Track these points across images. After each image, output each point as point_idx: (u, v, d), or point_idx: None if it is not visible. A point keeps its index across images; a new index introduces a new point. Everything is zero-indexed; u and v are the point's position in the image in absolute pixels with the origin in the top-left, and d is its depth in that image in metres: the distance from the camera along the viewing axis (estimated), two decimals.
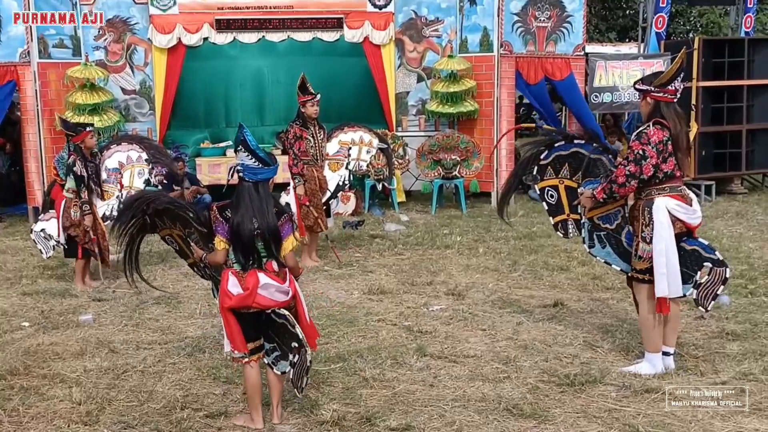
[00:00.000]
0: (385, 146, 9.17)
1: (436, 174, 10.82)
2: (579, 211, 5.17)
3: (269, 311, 4.05)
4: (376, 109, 11.44)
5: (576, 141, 5.18)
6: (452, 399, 4.46)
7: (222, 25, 10.99)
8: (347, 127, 8.81)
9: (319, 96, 7.70)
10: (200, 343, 5.46)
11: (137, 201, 4.34)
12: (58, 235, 7.17)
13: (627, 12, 23.61)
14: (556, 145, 5.23)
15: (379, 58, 11.36)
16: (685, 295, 4.81)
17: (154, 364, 5.12)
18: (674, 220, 4.66)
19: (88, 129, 7.15)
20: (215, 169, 10.70)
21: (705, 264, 4.77)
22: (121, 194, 7.42)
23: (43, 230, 7.30)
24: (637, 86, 4.81)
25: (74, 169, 6.91)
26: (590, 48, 14.73)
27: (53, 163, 7.82)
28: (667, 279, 4.62)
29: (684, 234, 4.74)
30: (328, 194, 8.09)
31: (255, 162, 4.00)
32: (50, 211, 7.35)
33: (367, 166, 9.45)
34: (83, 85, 10.36)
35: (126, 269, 4.48)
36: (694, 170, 11.34)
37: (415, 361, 5.05)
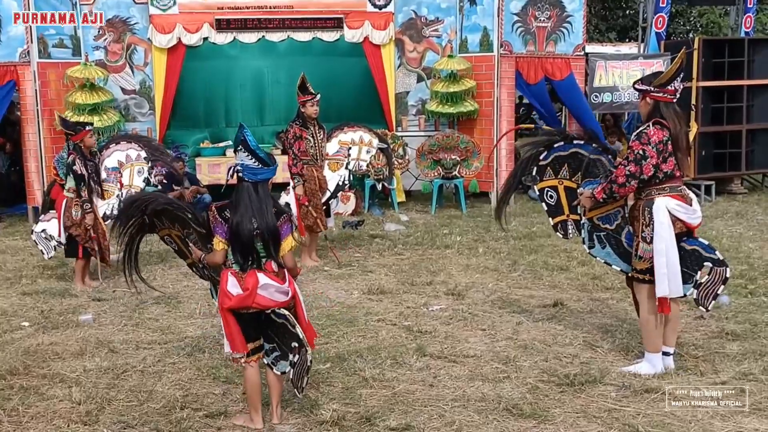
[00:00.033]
0: (385, 146, 9.17)
1: (435, 174, 10.83)
2: (579, 211, 5.17)
3: (269, 311, 4.06)
4: (376, 109, 11.44)
5: (575, 141, 5.18)
6: (452, 399, 4.46)
7: (222, 25, 10.99)
8: (347, 127, 8.81)
9: (318, 96, 7.70)
10: (200, 343, 5.46)
11: (136, 202, 4.35)
12: (59, 235, 7.17)
13: (627, 12, 23.62)
14: (555, 145, 5.22)
15: (379, 58, 11.37)
16: (685, 295, 4.81)
17: (153, 363, 5.12)
18: (674, 220, 4.66)
19: (87, 128, 7.16)
20: (215, 169, 10.70)
21: (705, 264, 4.77)
22: (122, 193, 7.42)
23: (43, 231, 7.30)
24: (636, 86, 4.80)
25: (74, 167, 6.91)
26: (590, 48, 14.73)
27: (53, 163, 7.82)
28: (668, 279, 4.62)
29: (684, 234, 4.74)
30: (328, 194, 8.08)
31: (255, 162, 3.99)
32: (50, 211, 7.35)
33: (367, 166, 9.44)
34: (83, 85, 10.36)
35: (125, 269, 4.49)
36: (694, 170, 11.34)
37: (414, 361, 5.05)
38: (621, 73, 11.58)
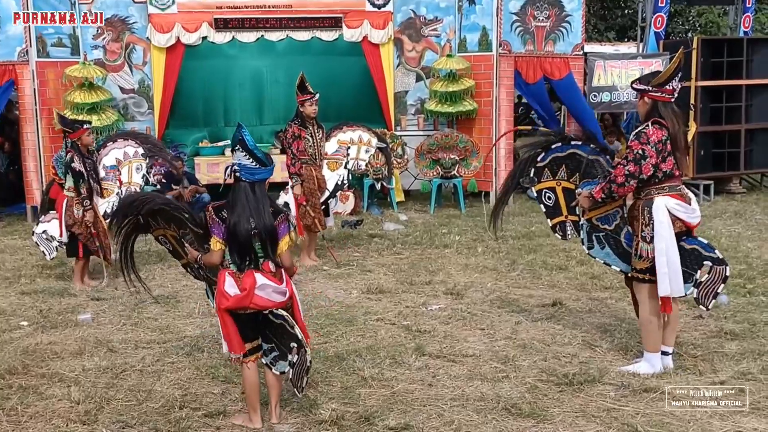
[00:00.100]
0: (384, 145, 9.16)
1: (434, 173, 10.83)
2: (577, 212, 5.17)
3: (266, 312, 4.05)
4: (375, 109, 11.43)
5: (573, 142, 5.17)
6: (451, 398, 4.46)
7: (221, 25, 10.97)
8: (346, 127, 8.81)
9: (317, 95, 7.70)
10: (199, 343, 5.46)
11: (133, 202, 4.34)
12: (60, 235, 7.17)
13: (626, 11, 23.61)
14: (552, 146, 5.21)
15: (377, 58, 11.36)
16: (685, 295, 4.81)
17: (152, 363, 5.12)
18: (674, 219, 4.66)
19: (85, 126, 7.16)
20: (214, 168, 10.70)
21: (705, 263, 4.77)
22: (121, 191, 7.42)
23: (44, 232, 7.29)
24: (634, 86, 4.80)
25: (72, 165, 6.90)
26: (589, 47, 14.72)
27: (52, 163, 7.82)
28: (669, 278, 4.62)
29: (683, 233, 4.75)
30: (327, 194, 8.08)
31: (252, 162, 3.99)
32: (50, 212, 7.34)
33: (366, 165, 9.43)
34: (81, 84, 10.35)
35: (122, 269, 4.49)
36: (693, 170, 11.35)
37: (413, 361, 5.05)
38: (620, 72, 11.59)
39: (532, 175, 5.30)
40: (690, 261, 4.75)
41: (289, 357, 4.04)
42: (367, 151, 8.76)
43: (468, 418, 4.21)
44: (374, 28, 11.23)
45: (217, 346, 5.20)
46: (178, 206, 4.36)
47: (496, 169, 11.04)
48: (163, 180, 9.61)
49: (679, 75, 4.68)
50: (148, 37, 10.88)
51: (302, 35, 11.24)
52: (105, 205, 7.35)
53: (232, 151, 4.16)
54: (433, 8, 11.54)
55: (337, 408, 4.31)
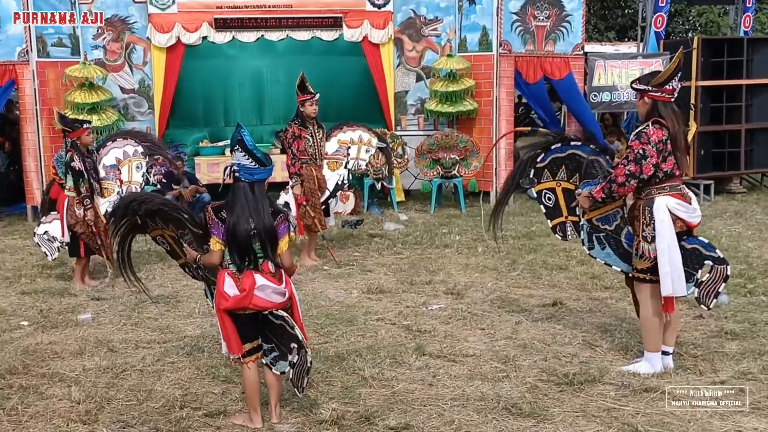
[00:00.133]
0: (384, 145, 9.16)
1: (435, 173, 10.82)
2: (577, 213, 5.17)
3: (266, 312, 4.05)
4: (375, 109, 11.44)
5: (572, 143, 5.17)
6: (451, 398, 4.46)
7: (221, 24, 10.98)
8: (346, 126, 8.81)
9: (318, 95, 7.70)
10: (199, 342, 5.46)
11: (131, 202, 4.34)
12: (62, 236, 7.17)
13: (626, 11, 23.61)
14: (552, 147, 5.20)
15: (378, 57, 11.36)
16: (686, 294, 4.81)
17: (153, 363, 5.12)
18: (675, 218, 4.66)
19: (85, 126, 7.16)
20: (214, 168, 10.70)
21: (706, 262, 4.77)
22: (122, 190, 7.42)
23: (45, 233, 7.28)
24: (634, 86, 4.80)
25: (72, 164, 6.91)
26: (589, 47, 14.73)
27: (52, 162, 7.81)
28: (671, 278, 4.61)
29: (684, 233, 4.75)
30: (327, 193, 8.08)
31: (252, 162, 3.98)
32: (51, 212, 7.34)
33: (366, 165, 9.43)
34: (82, 84, 10.36)
35: (120, 268, 4.49)
36: (693, 170, 11.34)
37: (414, 361, 5.05)
38: (620, 72, 11.59)
39: (531, 175, 5.29)
40: (691, 260, 4.75)
41: (290, 357, 4.04)
42: (367, 151, 8.76)
43: (468, 417, 4.21)
44: (374, 28, 11.23)
45: (217, 346, 5.19)
46: (176, 206, 4.36)
47: (496, 169, 11.05)
48: (164, 180, 9.61)
49: (679, 75, 4.68)
50: (148, 37, 10.89)
51: (302, 35, 11.24)
52: (106, 204, 7.35)
53: (231, 151, 4.15)
54: (434, 8, 11.54)
55: (338, 408, 4.31)
